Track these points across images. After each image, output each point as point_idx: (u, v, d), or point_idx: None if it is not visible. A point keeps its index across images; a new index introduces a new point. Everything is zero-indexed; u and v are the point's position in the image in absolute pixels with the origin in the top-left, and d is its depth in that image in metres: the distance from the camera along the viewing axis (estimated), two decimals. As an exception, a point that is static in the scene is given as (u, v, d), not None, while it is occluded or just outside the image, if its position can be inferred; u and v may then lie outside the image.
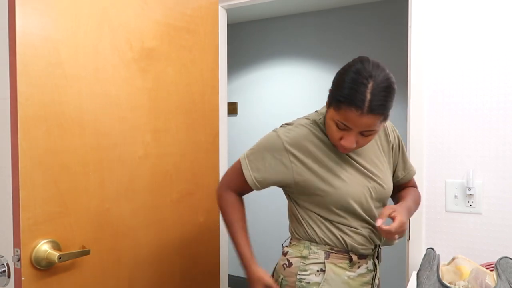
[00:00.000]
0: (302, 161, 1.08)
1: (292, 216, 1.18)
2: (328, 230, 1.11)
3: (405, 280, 1.53)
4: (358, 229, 1.11)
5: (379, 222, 1.00)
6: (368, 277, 1.14)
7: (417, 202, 1.22)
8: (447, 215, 1.43)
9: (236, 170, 1.17)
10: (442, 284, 1.01)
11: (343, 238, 1.10)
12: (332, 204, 1.08)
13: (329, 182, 1.07)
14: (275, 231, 3.27)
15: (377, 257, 1.18)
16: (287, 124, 1.14)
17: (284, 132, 1.10)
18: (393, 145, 1.20)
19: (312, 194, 1.09)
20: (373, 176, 1.12)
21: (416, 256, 1.46)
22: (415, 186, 1.31)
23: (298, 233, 1.15)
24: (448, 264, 1.13)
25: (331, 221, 1.10)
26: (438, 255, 1.15)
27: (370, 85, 0.93)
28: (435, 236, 1.44)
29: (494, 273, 1.03)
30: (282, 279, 1.14)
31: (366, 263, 1.14)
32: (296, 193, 1.13)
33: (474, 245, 1.39)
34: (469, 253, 1.39)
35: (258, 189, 1.14)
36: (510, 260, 1.07)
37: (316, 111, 1.17)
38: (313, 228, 1.12)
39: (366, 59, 0.98)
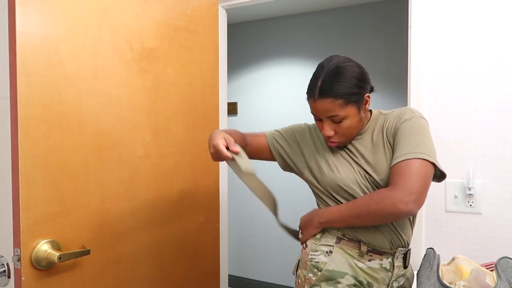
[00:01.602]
0: (315, 146, 1.22)
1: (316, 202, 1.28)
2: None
3: (405, 280, 1.53)
4: None
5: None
6: (382, 275, 1.12)
7: (356, 204, 1.05)
8: (447, 215, 1.42)
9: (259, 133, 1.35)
10: (442, 284, 1.01)
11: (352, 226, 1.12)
12: (328, 186, 1.15)
13: (322, 168, 1.17)
14: (275, 230, 3.27)
15: (404, 261, 1.16)
16: None
17: (306, 124, 1.30)
18: (394, 136, 1.09)
19: (311, 178, 1.20)
20: (371, 171, 1.11)
21: (416, 256, 1.46)
22: (393, 182, 1.00)
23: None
24: (448, 264, 1.13)
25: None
26: (438, 255, 1.15)
27: (321, 74, 1.07)
28: (435, 236, 1.44)
29: (494, 273, 1.03)
30: (299, 260, 1.20)
31: (381, 260, 1.12)
32: (308, 176, 1.23)
33: (474, 245, 1.39)
34: (469, 253, 1.39)
35: (271, 142, 1.28)
36: (510, 260, 1.07)
37: None
38: None
39: (330, 56, 1.12)
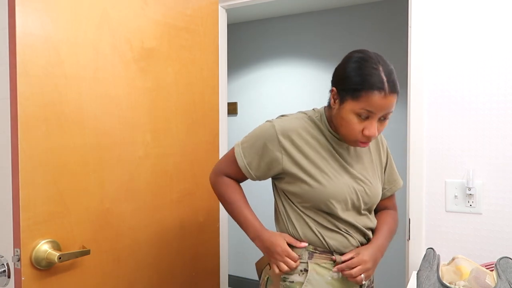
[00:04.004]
0: (291, 153, 1.08)
1: (278, 214, 1.18)
2: (308, 228, 1.10)
3: (405, 280, 1.53)
4: (339, 230, 1.09)
5: (334, 269, 1.07)
6: None
7: (392, 231, 1.19)
8: (447, 215, 1.43)
9: (230, 157, 1.17)
10: (442, 284, 1.01)
11: (324, 238, 1.09)
12: (314, 200, 1.07)
13: (314, 178, 1.07)
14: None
15: None
16: (283, 115, 1.16)
17: (279, 122, 1.11)
18: (385, 156, 1.23)
19: (297, 188, 1.09)
20: (360, 180, 1.11)
21: (416, 256, 1.46)
22: (394, 207, 1.27)
23: (283, 232, 1.15)
24: (448, 264, 1.13)
25: (312, 219, 1.10)
26: (438, 255, 1.15)
27: (381, 69, 0.98)
28: (435, 236, 1.44)
29: (494, 273, 1.03)
30: (267, 278, 1.15)
31: None
32: (283, 185, 1.13)
33: (474, 245, 1.39)
34: (469, 253, 1.39)
35: (252, 177, 1.14)
36: (510, 260, 1.07)
37: (313, 109, 1.17)
38: (295, 226, 1.11)
39: (362, 50, 1.03)
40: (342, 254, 1.10)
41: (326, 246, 1.09)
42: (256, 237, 1.12)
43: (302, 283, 1.08)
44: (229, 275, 3.49)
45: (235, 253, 3.45)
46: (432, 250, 1.18)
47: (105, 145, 1.20)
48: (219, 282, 1.71)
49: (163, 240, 1.42)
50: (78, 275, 1.14)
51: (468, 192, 1.38)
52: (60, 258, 1.03)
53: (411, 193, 1.46)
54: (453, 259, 1.13)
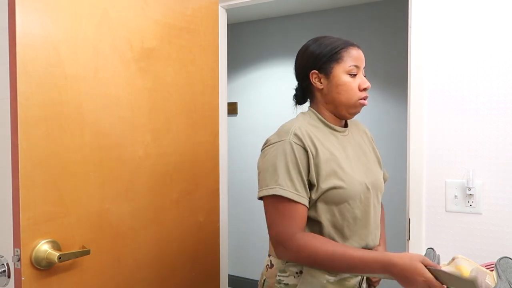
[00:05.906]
0: (314, 159, 1.03)
1: None
2: (308, 229, 1.07)
3: (405, 280, 1.53)
4: (347, 236, 1.08)
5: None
6: (353, 282, 1.08)
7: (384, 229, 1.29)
8: (447, 215, 1.42)
9: (285, 211, 1.00)
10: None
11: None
12: (337, 200, 1.03)
13: (340, 178, 1.03)
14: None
15: None
16: (282, 128, 1.09)
17: (292, 136, 1.03)
18: (376, 150, 1.28)
19: (319, 192, 1.03)
20: (368, 171, 1.13)
21: (416, 256, 1.46)
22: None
23: None
24: (448, 264, 1.13)
25: (314, 219, 1.05)
26: (438, 255, 1.15)
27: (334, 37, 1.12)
28: (435, 236, 1.44)
29: (494, 273, 1.03)
30: (265, 279, 1.13)
31: None
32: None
33: (474, 245, 1.39)
34: (469, 253, 1.39)
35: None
36: (510, 260, 1.07)
37: (301, 112, 1.19)
38: None
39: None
40: None
41: None
42: (388, 271, 0.94)
43: (296, 285, 1.06)
44: (229, 275, 3.49)
45: (235, 253, 3.45)
46: (432, 250, 1.18)
47: (105, 145, 1.20)
48: (219, 282, 1.71)
49: (163, 240, 1.42)
50: (78, 275, 1.14)
51: (468, 192, 1.38)
52: (60, 258, 1.03)
53: (411, 193, 1.46)
54: (453, 259, 1.13)
